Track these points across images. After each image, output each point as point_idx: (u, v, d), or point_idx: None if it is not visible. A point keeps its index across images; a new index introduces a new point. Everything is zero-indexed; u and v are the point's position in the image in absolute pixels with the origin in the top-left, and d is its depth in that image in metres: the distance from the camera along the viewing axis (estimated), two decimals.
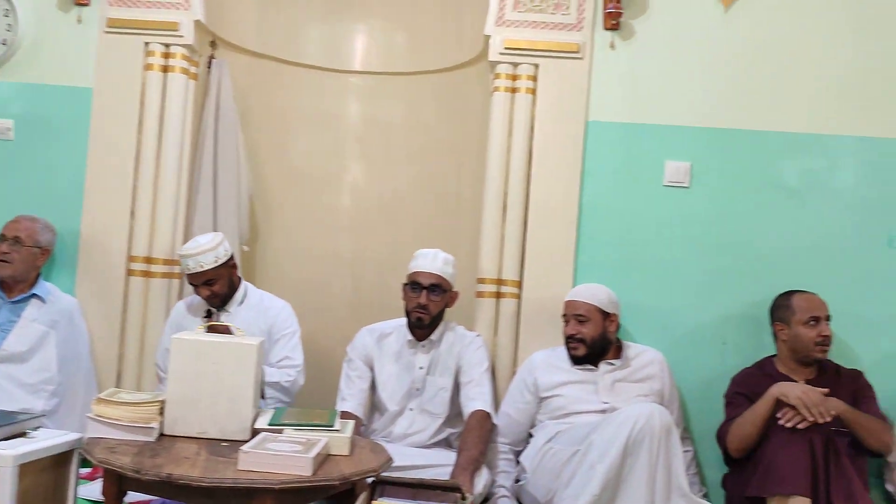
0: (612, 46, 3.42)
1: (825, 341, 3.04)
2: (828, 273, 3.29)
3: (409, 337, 3.21)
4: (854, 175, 3.35)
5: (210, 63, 3.73)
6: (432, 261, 3.17)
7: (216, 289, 3.18)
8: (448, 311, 3.25)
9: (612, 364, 3.14)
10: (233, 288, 3.26)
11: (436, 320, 3.20)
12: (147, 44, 3.47)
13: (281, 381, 3.10)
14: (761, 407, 2.86)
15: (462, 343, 3.21)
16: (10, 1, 3.48)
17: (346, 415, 2.98)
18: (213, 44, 3.76)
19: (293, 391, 3.18)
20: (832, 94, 3.35)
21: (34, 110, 3.53)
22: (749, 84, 3.37)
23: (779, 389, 2.84)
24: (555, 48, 3.40)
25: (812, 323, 3.05)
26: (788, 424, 2.76)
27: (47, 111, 3.52)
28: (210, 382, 2.48)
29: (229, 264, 3.21)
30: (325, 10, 4.15)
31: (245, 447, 2.22)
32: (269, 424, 2.50)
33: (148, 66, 3.47)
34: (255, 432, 2.46)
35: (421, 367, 3.18)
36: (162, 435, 2.46)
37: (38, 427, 2.57)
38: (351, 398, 3.15)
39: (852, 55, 3.35)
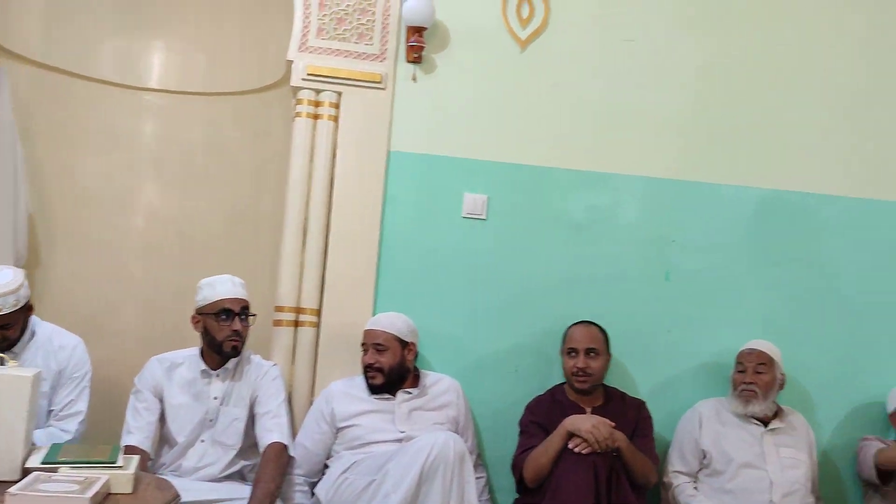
0: (414, 79, 3.48)
1: (579, 373, 3.18)
2: (611, 304, 3.47)
3: (203, 366, 3.10)
4: (636, 212, 3.57)
5: None
6: (233, 286, 3.08)
7: (10, 333, 2.88)
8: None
9: (409, 393, 3.16)
10: (24, 329, 2.97)
11: None
12: None
13: None
14: (555, 440, 2.97)
15: (258, 373, 3.13)
16: None
17: (131, 449, 2.83)
18: None
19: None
20: (615, 134, 3.56)
21: None
22: (541, 121, 3.53)
23: (571, 423, 2.96)
24: (357, 77, 3.42)
25: (571, 354, 3.21)
26: (577, 450, 2.90)
27: None
28: None
29: (28, 306, 2.93)
30: (119, 24, 3.96)
31: (12, 489, 2.04)
32: (43, 462, 2.32)
33: None
34: (26, 472, 2.28)
35: (215, 398, 3.07)
36: None
37: None
38: (137, 431, 2.99)
39: (632, 97, 3.57)
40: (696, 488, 3.24)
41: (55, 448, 2.44)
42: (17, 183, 3.48)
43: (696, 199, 3.57)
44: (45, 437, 2.81)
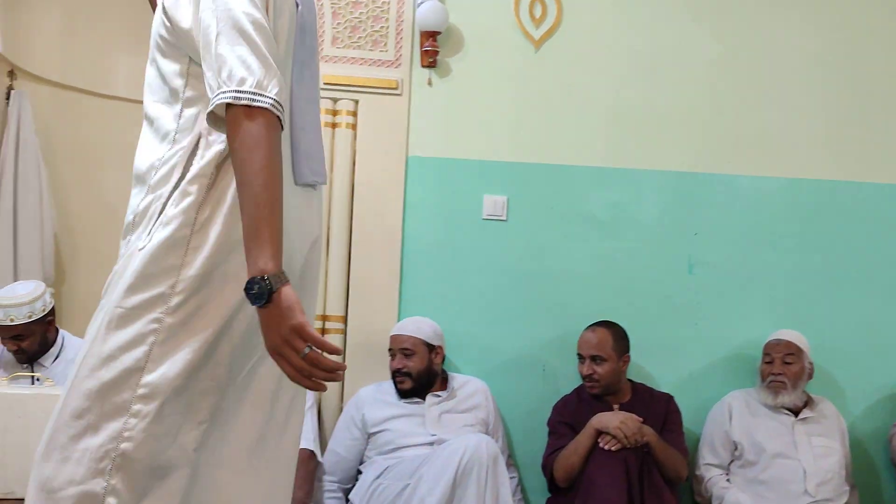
0: (430, 83, 3.49)
1: (588, 379, 3.17)
2: (634, 299, 3.47)
3: None
4: (656, 207, 3.56)
5: (9, 94, 3.51)
6: None
7: (25, 345, 2.92)
8: None
9: (438, 396, 3.18)
10: (46, 344, 2.99)
11: None
12: None
13: None
14: (584, 439, 2.98)
15: None
16: None
17: None
18: (11, 74, 3.54)
19: None
20: (632, 129, 3.55)
21: None
22: (557, 120, 3.53)
23: (598, 421, 2.97)
24: (374, 84, 3.43)
25: (580, 359, 3.21)
26: (606, 447, 2.91)
27: None
28: (16, 438, 2.31)
29: (46, 320, 2.95)
30: (132, 40, 3.96)
31: None
32: None
33: None
34: None
35: None
36: None
37: None
38: None
39: (646, 93, 3.55)
40: (728, 480, 3.24)
41: None
42: (42, 203, 3.52)
43: (716, 191, 3.56)
44: None
